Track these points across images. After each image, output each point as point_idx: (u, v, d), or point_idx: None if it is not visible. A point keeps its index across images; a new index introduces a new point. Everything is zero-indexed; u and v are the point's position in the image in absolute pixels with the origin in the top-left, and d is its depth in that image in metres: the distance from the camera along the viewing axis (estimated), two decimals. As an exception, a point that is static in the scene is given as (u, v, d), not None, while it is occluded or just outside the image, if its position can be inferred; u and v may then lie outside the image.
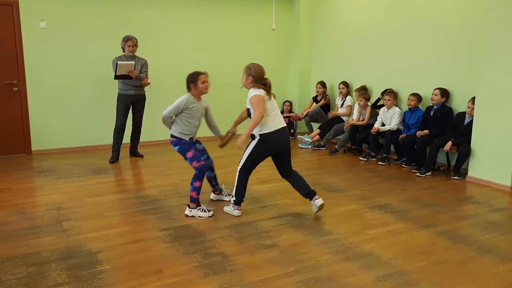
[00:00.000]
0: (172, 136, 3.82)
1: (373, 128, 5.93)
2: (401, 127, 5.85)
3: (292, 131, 7.85)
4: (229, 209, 3.83)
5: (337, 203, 4.14)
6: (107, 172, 5.30)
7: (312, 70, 8.00)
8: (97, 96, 6.60)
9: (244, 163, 3.68)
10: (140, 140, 6.24)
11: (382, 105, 6.08)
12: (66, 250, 3.06)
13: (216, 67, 7.35)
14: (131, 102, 5.80)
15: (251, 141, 3.68)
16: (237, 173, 3.73)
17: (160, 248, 3.10)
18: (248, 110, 3.68)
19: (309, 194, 3.75)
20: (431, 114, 5.46)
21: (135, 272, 2.75)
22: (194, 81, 3.70)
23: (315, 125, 7.29)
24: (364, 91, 6.39)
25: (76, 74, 6.45)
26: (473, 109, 4.96)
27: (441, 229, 3.50)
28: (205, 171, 3.78)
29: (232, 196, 3.79)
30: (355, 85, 6.89)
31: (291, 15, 8.05)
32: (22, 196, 4.32)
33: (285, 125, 3.72)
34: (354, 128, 6.36)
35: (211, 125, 4.10)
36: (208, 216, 3.71)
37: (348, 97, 6.86)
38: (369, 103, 6.35)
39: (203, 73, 3.73)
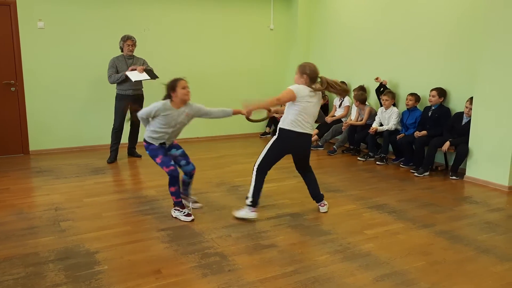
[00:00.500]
0: (144, 140, 3.70)
1: (371, 128, 5.94)
2: (399, 127, 5.86)
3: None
4: (244, 213, 3.65)
5: (336, 203, 4.15)
6: (105, 172, 5.29)
7: (310, 70, 7.98)
8: (95, 96, 6.58)
9: (261, 161, 3.63)
10: (138, 140, 6.23)
11: (385, 89, 6.09)
12: (64, 251, 3.05)
13: (214, 67, 7.35)
14: (130, 102, 5.77)
15: (271, 138, 3.67)
16: (254, 173, 3.65)
17: (158, 249, 3.10)
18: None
19: (317, 197, 3.90)
20: (429, 114, 5.47)
21: (133, 273, 2.74)
22: (174, 87, 3.53)
23: (313, 125, 7.29)
24: (361, 92, 6.40)
25: (74, 74, 6.44)
26: (471, 109, 4.97)
27: (439, 229, 3.51)
28: (176, 175, 3.60)
29: (247, 198, 3.65)
30: (353, 85, 6.89)
31: (289, 15, 8.05)
32: (20, 197, 4.30)
33: (309, 132, 3.63)
34: (352, 128, 6.37)
35: (216, 115, 3.81)
36: (187, 221, 3.60)
37: (346, 98, 6.86)
38: (367, 103, 6.36)
39: (182, 79, 3.56)
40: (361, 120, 6.33)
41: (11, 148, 6.18)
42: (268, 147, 3.64)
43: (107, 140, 6.05)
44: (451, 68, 5.44)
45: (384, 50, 6.38)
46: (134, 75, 5.54)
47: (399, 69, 6.16)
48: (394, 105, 5.95)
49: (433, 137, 5.25)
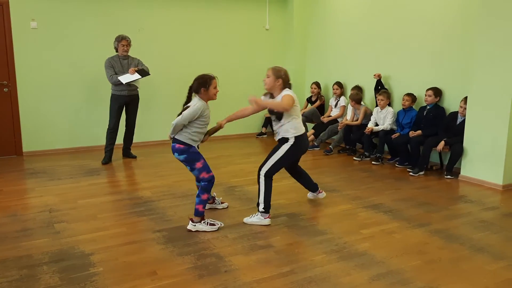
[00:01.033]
0: (178, 142, 3.41)
1: (366, 128, 5.95)
2: (395, 127, 5.88)
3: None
4: (257, 219, 3.57)
5: (332, 203, 4.15)
6: (100, 173, 5.26)
7: (306, 71, 8.01)
8: (89, 97, 6.55)
9: (270, 167, 3.54)
10: (133, 141, 6.21)
11: (382, 87, 6.12)
12: (59, 253, 3.03)
13: (209, 67, 7.29)
14: (125, 103, 5.76)
15: (282, 145, 3.56)
16: (261, 178, 3.55)
17: (154, 250, 3.08)
18: (276, 112, 3.55)
19: (313, 186, 4.07)
20: (424, 113, 5.49)
21: (129, 274, 2.72)
22: (207, 85, 3.34)
23: (310, 125, 7.30)
24: (357, 91, 6.41)
25: (67, 75, 6.40)
26: (465, 108, 4.99)
27: (435, 228, 3.52)
28: (213, 182, 3.48)
29: (259, 205, 3.57)
30: (349, 85, 6.91)
31: (284, 15, 8.06)
32: (14, 198, 4.27)
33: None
34: (348, 128, 6.38)
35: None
36: (214, 230, 3.41)
37: (342, 98, 6.88)
38: (362, 103, 6.37)
39: (215, 78, 3.40)
40: (357, 120, 6.34)
41: (4, 149, 6.13)
42: (282, 154, 3.55)
43: (102, 141, 6.03)
44: (446, 68, 5.46)
45: (379, 50, 6.40)
46: (125, 78, 5.54)
47: (394, 69, 6.18)
48: (389, 105, 5.97)
49: (428, 137, 5.27)
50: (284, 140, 3.58)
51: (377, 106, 6.04)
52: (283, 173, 5.18)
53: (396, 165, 5.67)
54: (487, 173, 4.79)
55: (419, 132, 5.37)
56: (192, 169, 3.46)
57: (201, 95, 3.39)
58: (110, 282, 2.62)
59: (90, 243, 3.19)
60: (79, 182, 4.85)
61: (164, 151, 6.55)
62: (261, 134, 8.00)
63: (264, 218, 3.57)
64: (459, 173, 5.11)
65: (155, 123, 7.06)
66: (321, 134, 6.68)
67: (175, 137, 3.43)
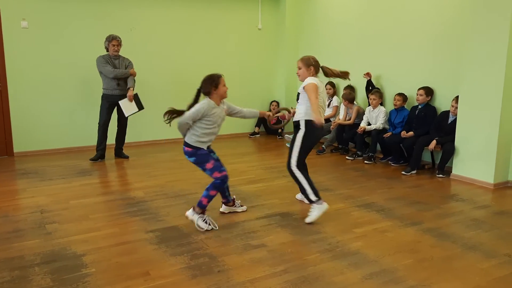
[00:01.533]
0: (187, 145, 3.41)
1: (359, 127, 5.97)
2: (387, 126, 5.91)
3: (279, 130, 7.87)
4: (317, 212, 3.55)
5: (324, 202, 4.15)
6: (92, 173, 5.23)
7: (298, 70, 8.01)
8: (81, 96, 6.51)
9: (297, 159, 3.61)
10: (126, 141, 6.18)
11: (373, 87, 6.14)
12: (50, 254, 3.01)
13: (202, 66, 7.29)
14: (116, 102, 5.73)
15: (296, 134, 3.65)
16: (296, 172, 3.61)
17: (147, 250, 3.07)
18: (298, 94, 3.66)
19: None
20: (416, 113, 5.53)
21: (122, 275, 2.71)
22: (216, 84, 3.33)
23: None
24: (349, 91, 6.44)
25: (59, 74, 6.35)
26: (456, 108, 5.03)
27: (427, 226, 3.54)
28: (227, 181, 3.47)
29: (309, 198, 3.59)
30: (341, 84, 6.93)
31: (277, 15, 8.07)
32: (5, 199, 4.23)
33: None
34: (341, 127, 6.40)
35: (244, 114, 3.74)
36: (207, 230, 3.39)
37: (335, 98, 6.90)
38: (355, 102, 6.40)
39: (222, 76, 3.40)
40: (349, 120, 6.36)
41: (-5, 150, 6.08)
42: (300, 144, 3.63)
43: (94, 141, 5.99)
44: (437, 67, 5.50)
45: (371, 50, 6.43)
46: (126, 108, 5.68)
47: (386, 68, 6.21)
48: (381, 104, 6.00)
49: (420, 136, 5.30)
50: (296, 124, 3.68)
51: (369, 105, 6.07)
52: (276, 172, 5.20)
53: (391, 164, 5.70)
54: (479, 171, 4.83)
55: (411, 133, 5.41)
56: (204, 170, 3.45)
57: (212, 96, 3.38)
58: (103, 283, 2.60)
59: (82, 244, 3.17)
60: (71, 183, 4.81)
61: (156, 151, 6.52)
62: (254, 133, 8.00)
63: (321, 204, 3.58)
64: (451, 172, 5.14)
65: (147, 123, 7.03)
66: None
67: (185, 139, 3.43)
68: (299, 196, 4.18)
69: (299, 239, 3.27)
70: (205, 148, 3.45)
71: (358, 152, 6.09)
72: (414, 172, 5.28)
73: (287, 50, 7.90)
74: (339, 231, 3.42)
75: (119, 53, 5.71)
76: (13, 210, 3.90)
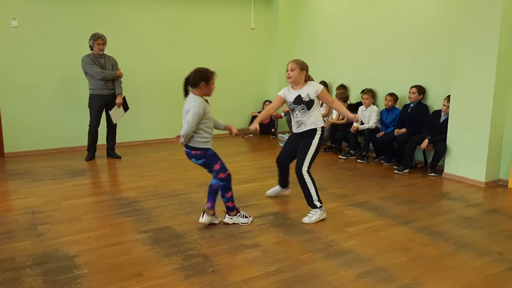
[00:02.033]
0: (194, 149, 3.26)
1: (352, 127, 5.99)
2: (379, 125, 5.93)
3: (273, 130, 7.87)
4: (318, 215, 3.60)
5: (318, 201, 4.16)
6: (84, 174, 5.19)
7: (291, 70, 8.02)
8: (72, 96, 6.46)
9: (309, 163, 3.62)
10: (117, 141, 6.14)
11: (360, 104, 6.18)
12: (42, 255, 2.98)
13: (193, 66, 7.23)
14: (105, 102, 5.70)
15: (311, 139, 3.64)
16: (306, 177, 3.60)
17: (140, 251, 3.05)
18: (307, 102, 3.63)
19: (287, 183, 4.23)
20: (408, 111, 5.56)
21: (114, 276, 2.69)
22: (207, 80, 3.16)
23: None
24: (343, 91, 6.46)
25: (49, 74, 6.30)
26: (448, 107, 5.07)
27: (419, 225, 3.56)
28: (231, 180, 3.42)
29: (313, 201, 3.61)
30: (335, 84, 6.95)
31: (270, 15, 8.07)
32: (-5, 200, 4.19)
33: None
34: (334, 127, 6.42)
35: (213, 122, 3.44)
36: (251, 222, 3.51)
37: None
38: (348, 102, 6.41)
39: (214, 73, 3.23)
40: (342, 119, 6.38)
41: (-15, 150, 6.01)
42: (315, 148, 3.64)
43: (85, 141, 5.95)
44: (429, 67, 5.54)
45: (364, 49, 6.45)
46: (115, 115, 5.68)
47: (378, 67, 6.24)
48: (374, 103, 6.02)
49: (412, 135, 5.33)
50: (312, 132, 3.65)
51: (362, 105, 6.10)
52: (269, 172, 5.20)
53: (383, 163, 5.73)
54: (470, 170, 4.86)
55: (403, 130, 5.43)
56: (210, 171, 3.39)
57: (198, 90, 3.18)
58: (95, 284, 2.58)
59: (74, 245, 3.14)
60: (63, 183, 4.77)
61: (149, 151, 6.49)
62: (247, 133, 7.99)
63: (323, 212, 3.66)
64: (443, 170, 5.18)
65: (139, 122, 7.00)
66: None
67: (189, 144, 3.28)
68: (276, 190, 4.24)
69: (292, 239, 3.27)
70: (212, 147, 3.34)
71: (351, 151, 6.10)
72: (406, 171, 5.31)
73: (280, 49, 7.91)
74: (332, 230, 3.43)
75: (104, 52, 5.66)
76: (4, 211, 3.86)
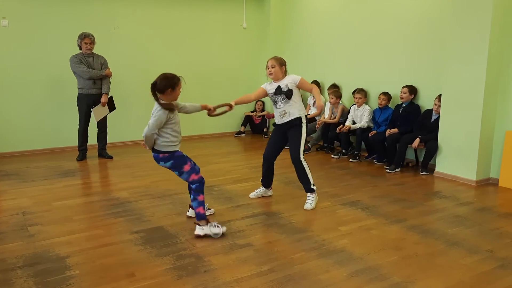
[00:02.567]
0: (160, 152, 3.25)
1: (344, 126, 6.01)
2: (371, 125, 5.96)
3: (265, 129, 7.88)
4: (315, 199, 3.97)
5: (310, 200, 4.17)
6: (75, 174, 5.15)
7: (283, 69, 8.03)
8: (63, 96, 6.41)
9: (302, 150, 3.85)
10: (109, 141, 6.11)
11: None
12: (33, 256, 2.95)
13: (186, 65, 7.27)
14: (93, 102, 5.66)
15: (299, 128, 3.85)
16: (303, 163, 3.86)
17: (132, 251, 3.04)
18: (286, 91, 3.84)
19: (270, 183, 4.28)
20: (400, 111, 5.59)
21: (106, 277, 2.67)
22: (174, 86, 3.16)
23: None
24: (336, 89, 6.48)
25: (39, 74, 6.25)
26: (439, 106, 5.10)
27: (411, 223, 3.58)
28: (204, 182, 3.36)
29: (309, 186, 3.93)
30: (327, 83, 6.97)
31: (261, 14, 8.07)
32: (-15, 201, 4.14)
33: None
34: (326, 126, 6.44)
35: (187, 110, 3.51)
36: (223, 232, 3.28)
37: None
38: (340, 101, 6.44)
39: (180, 78, 3.23)
40: (334, 118, 6.40)
41: (-26, 151, 5.94)
42: (303, 137, 3.87)
43: (76, 142, 5.91)
44: (420, 66, 5.57)
45: (355, 49, 6.47)
46: (97, 113, 5.62)
47: (370, 67, 6.27)
48: (366, 103, 6.05)
49: (403, 134, 5.36)
50: (298, 121, 3.85)
51: (354, 104, 6.12)
52: (261, 171, 5.19)
53: (375, 162, 5.76)
54: (461, 169, 4.90)
55: (395, 130, 5.47)
56: (180, 174, 3.32)
57: (165, 96, 3.18)
58: (87, 285, 2.57)
59: (65, 246, 3.12)
60: (54, 184, 4.73)
61: (140, 151, 6.46)
62: (239, 133, 7.99)
63: (316, 195, 4.01)
64: (434, 169, 5.22)
65: (130, 122, 6.97)
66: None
67: (154, 147, 3.27)
68: (260, 191, 4.26)
69: (285, 238, 3.28)
70: (179, 150, 3.32)
71: (343, 151, 6.13)
72: (398, 169, 5.34)
73: (272, 48, 7.91)
74: (324, 229, 3.44)
75: (93, 51, 5.62)
76: (-6, 213, 3.82)
